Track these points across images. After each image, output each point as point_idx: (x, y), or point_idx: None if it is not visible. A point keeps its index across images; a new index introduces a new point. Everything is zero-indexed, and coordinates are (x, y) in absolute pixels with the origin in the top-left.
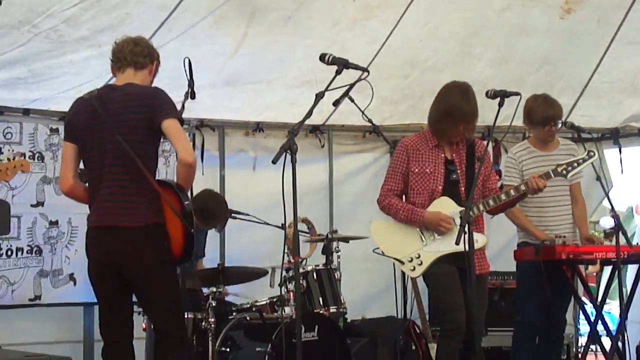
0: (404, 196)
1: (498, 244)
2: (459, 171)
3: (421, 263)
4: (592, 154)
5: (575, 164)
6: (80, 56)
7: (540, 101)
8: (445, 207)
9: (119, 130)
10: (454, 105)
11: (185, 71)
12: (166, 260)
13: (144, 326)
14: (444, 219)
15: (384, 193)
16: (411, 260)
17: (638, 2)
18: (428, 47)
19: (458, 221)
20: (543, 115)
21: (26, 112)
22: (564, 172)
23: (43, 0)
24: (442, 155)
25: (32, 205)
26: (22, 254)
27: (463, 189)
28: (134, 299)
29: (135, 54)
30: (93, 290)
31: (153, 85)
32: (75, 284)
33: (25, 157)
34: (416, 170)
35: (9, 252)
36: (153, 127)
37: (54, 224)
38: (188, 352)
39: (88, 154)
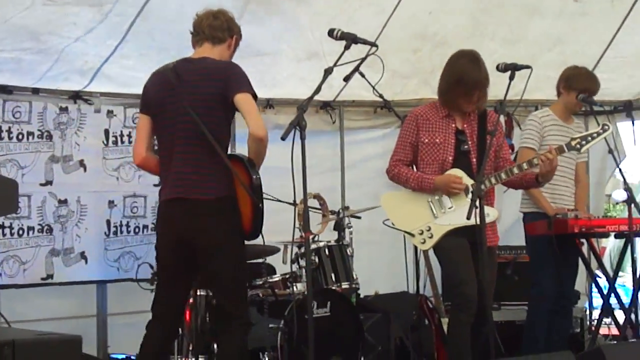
0: (413, 167)
1: (511, 217)
2: (470, 142)
3: (432, 236)
4: (606, 127)
5: (589, 138)
6: (84, 18)
7: (583, 71)
8: None
9: (192, 103)
10: (465, 73)
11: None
12: (236, 235)
13: None
14: (454, 180)
15: (393, 163)
16: (422, 233)
17: None
18: (437, 21)
19: (470, 195)
20: (585, 85)
21: (35, 91)
22: (578, 146)
23: None
24: (453, 125)
25: (41, 185)
26: (33, 233)
27: (474, 159)
28: None
29: (213, 28)
30: (157, 265)
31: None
32: (86, 262)
33: (34, 137)
34: (426, 140)
35: (20, 232)
36: (226, 101)
37: (63, 202)
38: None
39: (160, 126)
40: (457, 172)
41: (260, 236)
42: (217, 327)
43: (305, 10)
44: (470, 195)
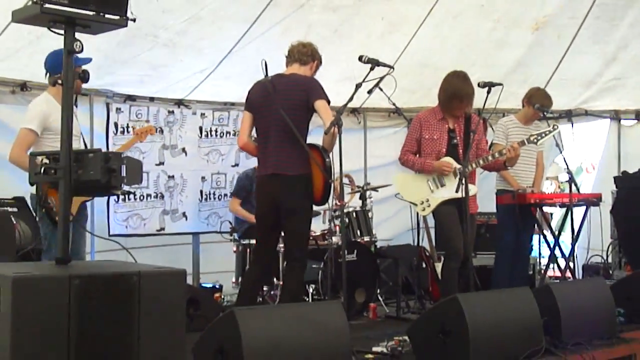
0: (417, 156)
1: (484, 190)
2: (458, 138)
3: (429, 205)
4: (555, 127)
5: (544, 134)
6: (188, 58)
7: (542, 92)
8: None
9: (283, 106)
10: (460, 88)
11: (263, 70)
12: (308, 203)
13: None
14: (445, 164)
15: (403, 152)
16: (422, 203)
17: (587, 21)
18: (436, 54)
19: (458, 175)
20: (542, 102)
21: (151, 99)
22: (535, 140)
23: (161, 18)
24: (446, 125)
25: (156, 165)
26: (150, 198)
27: (461, 151)
28: None
29: (301, 53)
30: (257, 223)
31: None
32: (186, 219)
33: None
34: (427, 136)
35: (141, 197)
36: (307, 105)
37: (171, 177)
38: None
39: (259, 122)
40: (449, 159)
41: None
42: (284, 267)
43: (343, 49)
44: (457, 176)
